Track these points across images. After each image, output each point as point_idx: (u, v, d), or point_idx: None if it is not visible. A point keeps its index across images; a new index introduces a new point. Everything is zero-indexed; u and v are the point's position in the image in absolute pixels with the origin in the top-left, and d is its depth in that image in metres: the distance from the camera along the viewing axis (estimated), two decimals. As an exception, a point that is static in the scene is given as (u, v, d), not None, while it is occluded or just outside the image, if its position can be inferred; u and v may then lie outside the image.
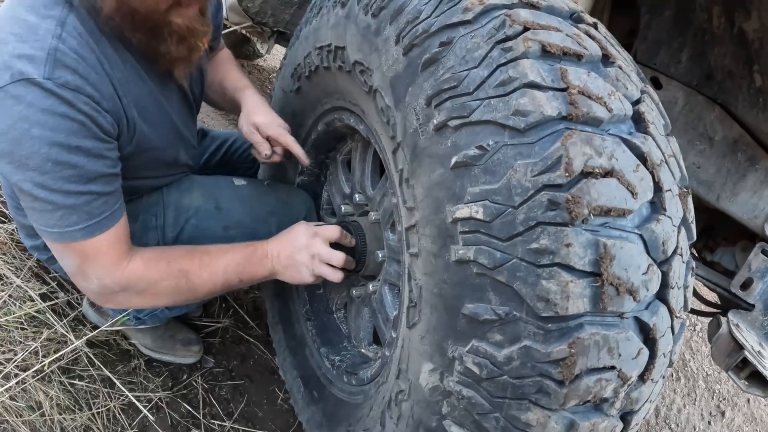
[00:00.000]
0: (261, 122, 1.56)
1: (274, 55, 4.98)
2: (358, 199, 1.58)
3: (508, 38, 0.86)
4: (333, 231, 1.43)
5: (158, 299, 1.42)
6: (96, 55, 1.18)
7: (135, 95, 1.29)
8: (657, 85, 1.61)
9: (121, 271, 1.31)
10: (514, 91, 0.82)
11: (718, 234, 1.95)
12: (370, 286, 1.55)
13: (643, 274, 0.83)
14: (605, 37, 1.02)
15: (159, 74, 1.37)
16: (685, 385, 3.04)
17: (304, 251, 1.42)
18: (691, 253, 1.97)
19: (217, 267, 1.40)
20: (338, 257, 1.40)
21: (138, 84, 1.30)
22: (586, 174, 0.78)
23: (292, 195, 1.76)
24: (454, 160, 0.87)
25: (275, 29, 2.13)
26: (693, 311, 2.18)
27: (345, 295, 1.77)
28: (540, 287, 0.77)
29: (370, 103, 1.18)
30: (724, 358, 1.58)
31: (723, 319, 1.68)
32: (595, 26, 1.03)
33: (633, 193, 0.82)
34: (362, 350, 1.69)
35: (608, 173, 0.80)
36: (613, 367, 0.82)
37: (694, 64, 1.53)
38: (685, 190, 1.00)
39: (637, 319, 0.86)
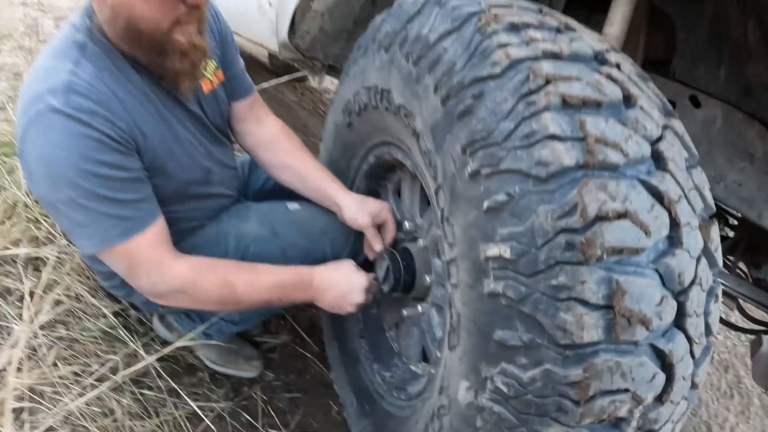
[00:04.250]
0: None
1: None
2: (407, 226, 1.69)
3: (531, 92, 0.96)
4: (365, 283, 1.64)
5: (204, 304, 1.57)
6: (107, 85, 1.36)
7: (146, 120, 1.45)
8: (696, 104, 1.62)
9: (167, 269, 1.45)
10: (536, 142, 0.92)
11: (763, 250, 1.97)
12: (419, 307, 1.65)
13: (657, 305, 0.92)
14: (629, 77, 1.08)
15: (167, 100, 1.53)
16: (739, 402, 3.03)
17: (345, 298, 1.61)
18: (738, 270, 1.99)
19: (262, 286, 1.54)
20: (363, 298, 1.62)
21: (148, 108, 1.46)
22: (600, 218, 0.88)
23: None
24: (486, 204, 0.99)
25: (326, 63, 2.25)
26: (740, 329, 2.21)
27: (397, 315, 1.87)
28: (559, 318, 0.89)
29: (414, 143, 1.29)
30: (765, 378, 1.62)
31: (765, 338, 1.71)
32: (618, 66, 1.09)
33: (647, 233, 0.92)
34: (411, 367, 1.80)
35: (622, 215, 0.90)
36: (626, 390, 0.92)
37: (733, 80, 1.55)
38: (708, 221, 1.06)
39: (653, 346, 0.94)
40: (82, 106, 1.29)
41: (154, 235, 1.44)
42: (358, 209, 1.70)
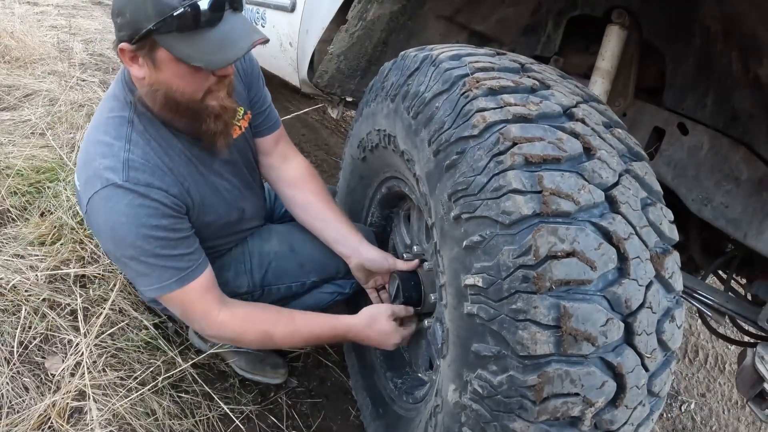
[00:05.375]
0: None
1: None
2: (416, 249, 1.94)
3: (500, 153, 1.20)
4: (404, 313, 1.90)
5: (245, 345, 1.91)
6: (158, 155, 1.65)
7: (190, 179, 1.73)
8: (683, 131, 1.77)
9: (212, 319, 1.75)
10: (503, 195, 1.17)
11: (755, 268, 2.11)
12: (426, 321, 1.90)
13: (602, 326, 1.15)
14: (593, 128, 1.28)
15: (204, 155, 1.79)
16: (750, 413, 3.16)
17: (389, 337, 1.86)
18: (733, 285, 2.15)
19: (299, 334, 1.83)
20: (407, 333, 1.88)
21: (190, 168, 1.74)
22: (550, 257, 1.13)
23: None
24: (465, 243, 1.25)
25: (343, 97, 2.49)
26: (730, 340, 2.42)
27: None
28: (518, 335, 1.14)
29: (415, 184, 1.55)
30: (747, 389, 1.74)
31: (749, 350, 1.90)
32: (583, 121, 1.30)
33: (592, 267, 1.15)
34: (420, 375, 2.06)
35: (570, 254, 1.14)
36: (577, 394, 1.15)
37: (719, 108, 1.67)
38: (663, 252, 1.27)
39: (602, 359, 1.17)
40: (139, 180, 1.58)
41: (204, 283, 1.73)
42: (382, 253, 1.98)
